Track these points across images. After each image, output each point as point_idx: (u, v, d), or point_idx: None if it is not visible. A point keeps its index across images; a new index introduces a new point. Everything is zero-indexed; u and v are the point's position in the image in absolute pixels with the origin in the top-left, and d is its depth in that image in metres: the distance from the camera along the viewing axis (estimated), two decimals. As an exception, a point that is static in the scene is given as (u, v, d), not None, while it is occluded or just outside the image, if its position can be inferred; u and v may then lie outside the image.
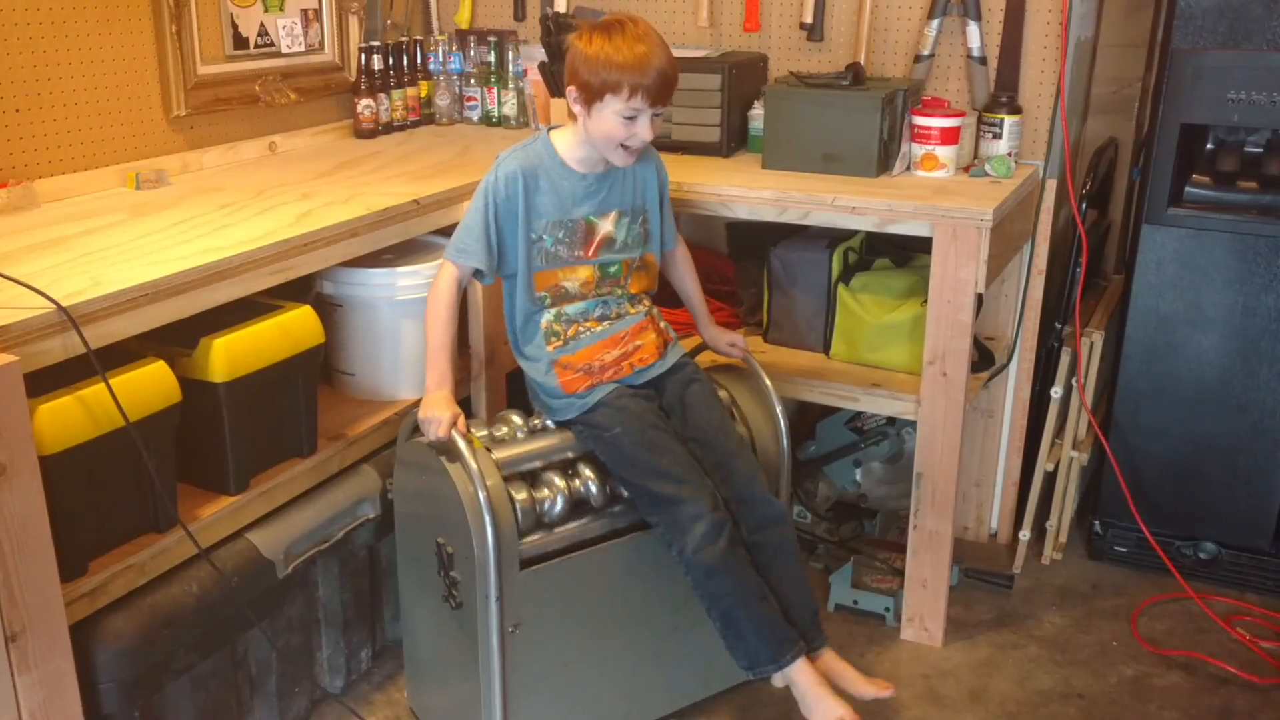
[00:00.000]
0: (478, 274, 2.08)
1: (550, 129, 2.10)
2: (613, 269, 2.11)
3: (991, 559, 2.91)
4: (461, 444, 1.94)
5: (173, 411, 1.82)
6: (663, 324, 2.20)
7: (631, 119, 1.96)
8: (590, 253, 2.09)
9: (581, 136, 2.03)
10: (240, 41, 2.65)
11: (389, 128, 3.04)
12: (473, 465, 1.92)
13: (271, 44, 2.74)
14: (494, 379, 2.55)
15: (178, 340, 1.92)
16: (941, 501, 2.45)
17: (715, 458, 2.06)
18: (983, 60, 2.68)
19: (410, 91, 3.10)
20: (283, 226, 2.07)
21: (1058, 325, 2.83)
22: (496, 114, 3.18)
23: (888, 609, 2.62)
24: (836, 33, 2.85)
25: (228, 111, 2.64)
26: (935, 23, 2.69)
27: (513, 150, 2.07)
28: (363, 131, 2.97)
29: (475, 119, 3.21)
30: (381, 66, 2.99)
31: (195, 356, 1.91)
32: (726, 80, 2.70)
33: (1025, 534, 2.84)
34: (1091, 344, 2.75)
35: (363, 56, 2.94)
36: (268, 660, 2.11)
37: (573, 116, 2.04)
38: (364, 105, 2.95)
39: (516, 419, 2.13)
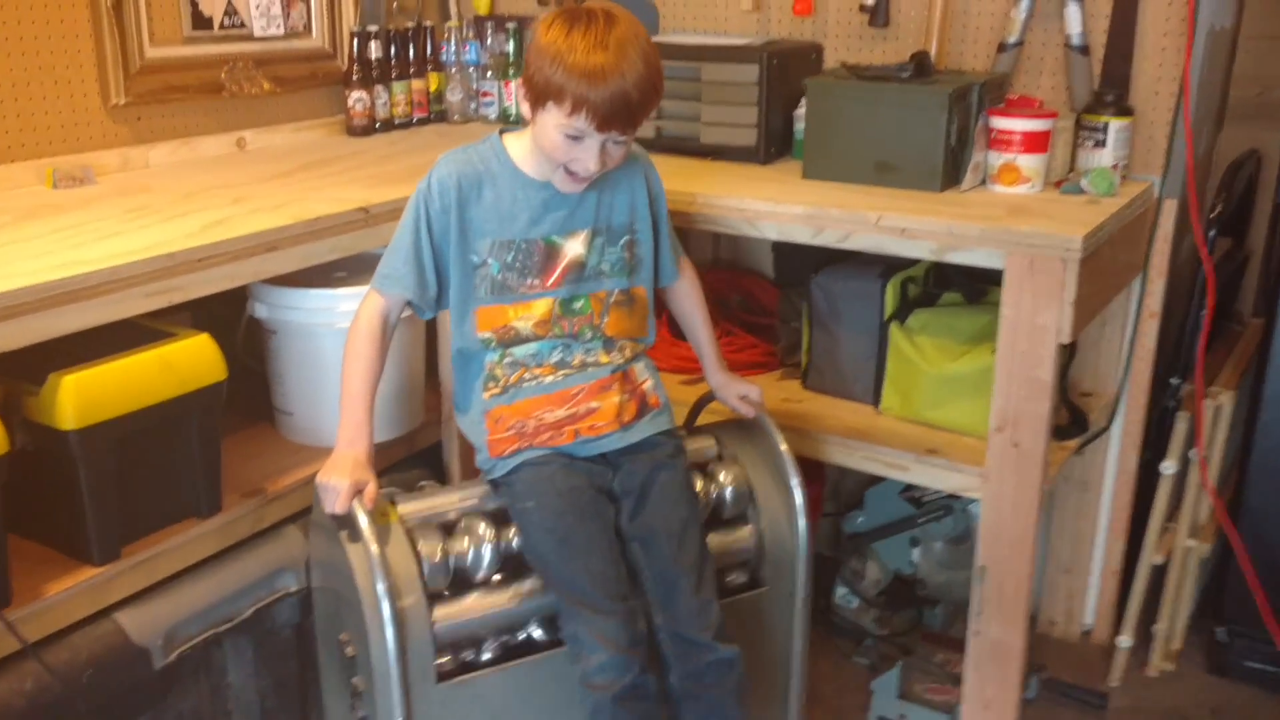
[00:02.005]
0: (412, 306, 1.66)
1: (504, 130, 1.68)
2: (577, 304, 1.66)
3: (1081, 666, 2.37)
4: (364, 523, 1.52)
5: (-6, 466, 1.45)
6: (646, 384, 1.73)
7: (575, 140, 1.54)
8: (551, 282, 1.65)
9: (535, 142, 1.62)
10: (201, 21, 2.30)
11: (388, 125, 2.66)
12: (374, 550, 1.50)
13: (242, 25, 2.38)
14: (468, 424, 2.13)
15: (30, 375, 1.56)
16: (1011, 604, 1.93)
17: (658, 573, 1.60)
18: (1084, 49, 2.15)
19: (417, 84, 2.71)
20: (179, 237, 1.69)
21: (1174, 382, 2.28)
22: (515, 111, 2.77)
23: (942, 729, 2.11)
24: (905, 17, 2.35)
25: (183, 101, 2.29)
26: (1024, 3, 2.17)
27: (454, 151, 1.66)
28: (355, 128, 2.60)
29: (491, 116, 2.81)
30: (380, 55, 2.61)
31: (42, 396, 1.54)
32: (764, 73, 2.23)
33: (1126, 640, 2.29)
34: (1218, 407, 2.18)
35: (355, 43, 2.56)
36: (149, 765, 1.73)
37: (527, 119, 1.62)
38: (355, 99, 2.57)
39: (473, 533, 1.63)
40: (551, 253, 1.65)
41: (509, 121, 2.79)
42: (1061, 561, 2.44)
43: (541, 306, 1.64)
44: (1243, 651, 2.30)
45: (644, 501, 1.63)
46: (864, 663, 2.35)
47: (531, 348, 1.65)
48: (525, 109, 1.58)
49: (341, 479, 1.55)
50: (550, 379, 1.65)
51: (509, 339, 1.65)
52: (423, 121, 2.75)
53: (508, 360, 1.65)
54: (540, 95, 1.52)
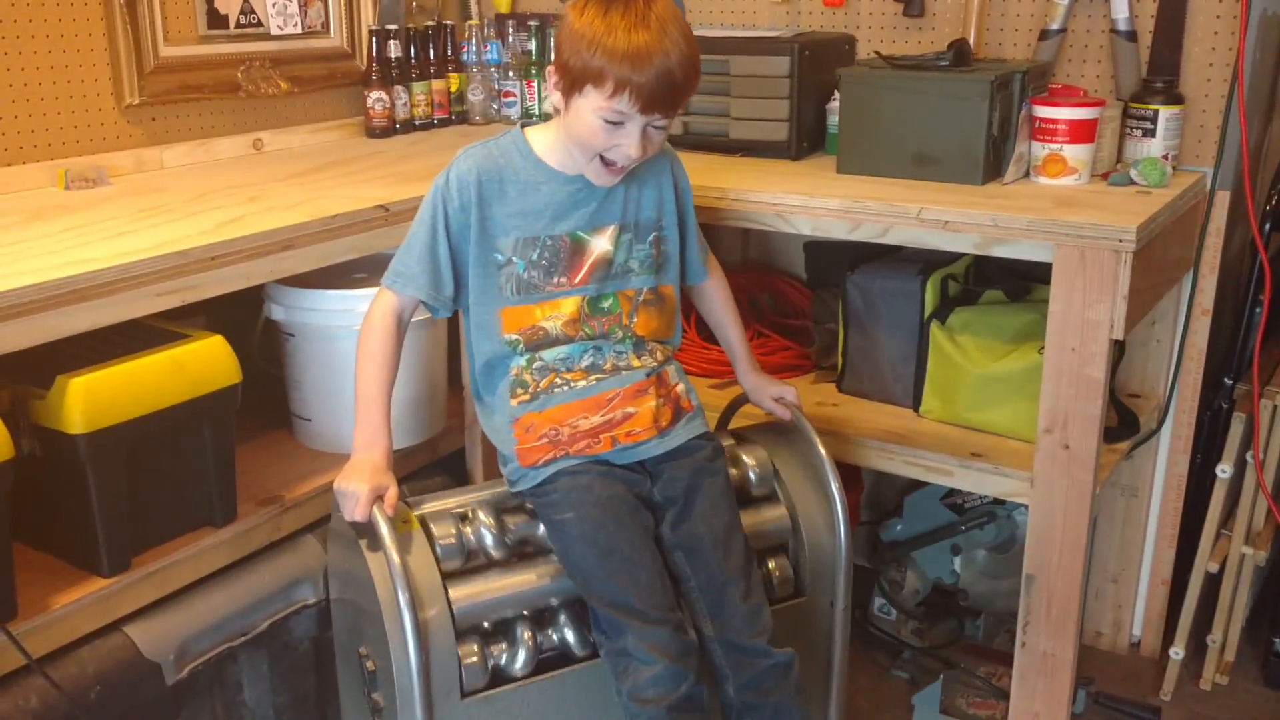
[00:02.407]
0: (426, 306, 1.59)
1: (524, 124, 1.61)
2: (606, 303, 1.59)
3: (1131, 679, 2.27)
4: (385, 530, 1.45)
5: (2, 472, 1.38)
6: (680, 387, 1.65)
7: (616, 125, 1.46)
8: (578, 279, 1.57)
9: (563, 135, 1.54)
10: (217, 19, 2.25)
11: (409, 126, 2.60)
12: (395, 560, 1.43)
13: (258, 23, 2.32)
14: (492, 429, 2.06)
15: (37, 378, 1.49)
16: (1060, 614, 1.84)
17: (705, 580, 1.52)
18: (1131, 35, 2.06)
19: (437, 85, 2.65)
20: (192, 235, 1.63)
21: (1228, 382, 2.18)
22: (537, 111, 2.70)
23: (987, 745, 2.02)
24: (941, 5, 2.28)
25: (200, 102, 2.23)
26: (1068, -13, 2.10)
27: (474, 145, 1.58)
28: (374, 130, 2.53)
29: (514, 117, 2.74)
30: (400, 54, 2.55)
31: (49, 399, 1.47)
32: (796, 64, 2.15)
33: (1178, 651, 2.19)
34: (1275, 408, 2.09)
35: (375, 42, 2.50)
36: (161, 784, 1.66)
37: (557, 109, 1.55)
38: (375, 99, 2.51)
39: (484, 516, 1.57)
40: (578, 249, 1.57)
41: (532, 121, 2.72)
42: (1108, 570, 2.35)
43: (570, 305, 1.57)
44: (1301, 664, 2.20)
45: (688, 509, 1.55)
46: (903, 676, 2.26)
47: (561, 351, 1.57)
48: (557, 98, 1.50)
49: (360, 485, 1.47)
50: (583, 384, 1.57)
51: (537, 340, 1.57)
52: (444, 122, 2.68)
53: (537, 365, 1.57)
54: (578, 80, 1.45)
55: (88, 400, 1.46)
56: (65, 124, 2.04)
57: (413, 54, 2.60)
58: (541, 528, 1.57)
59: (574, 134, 1.50)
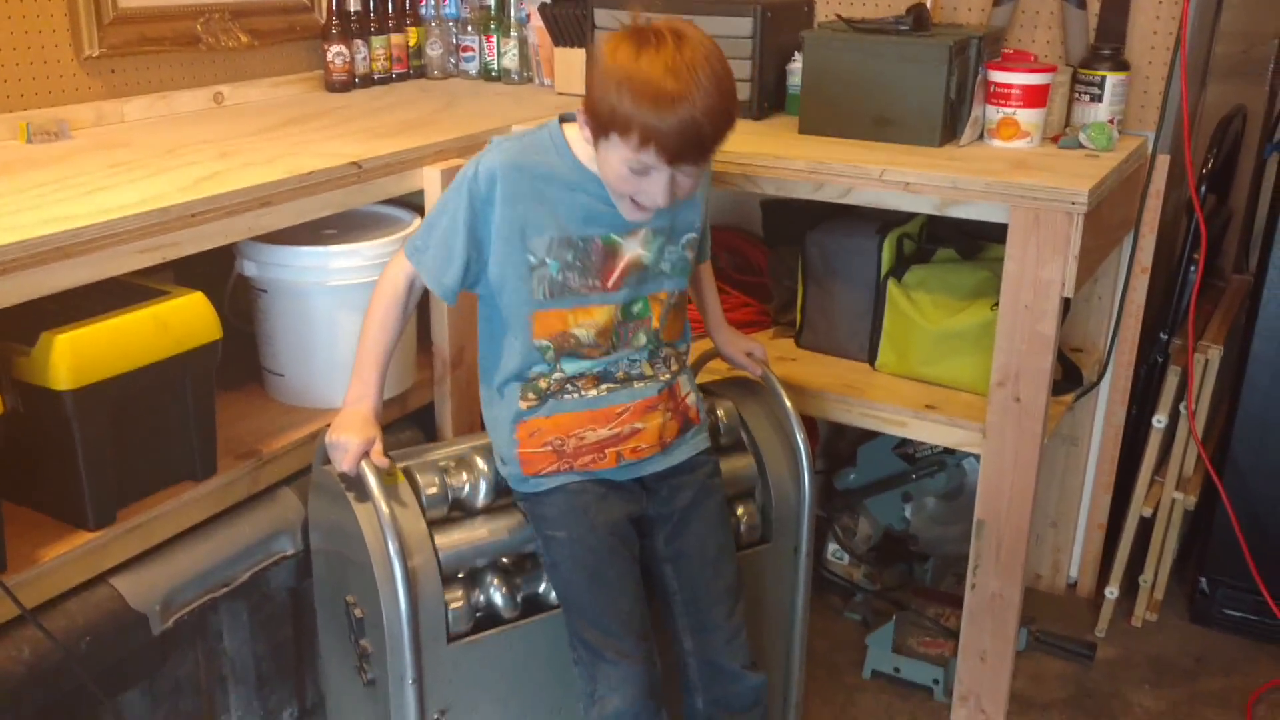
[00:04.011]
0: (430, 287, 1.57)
1: (563, 118, 1.54)
2: (636, 307, 1.55)
3: (1069, 617, 2.40)
4: (373, 480, 1.49)
5: (-13, 428, 1.39)
6: (691, 397, 1.65)
7: (641, 174, 1.41)
8: (610, 282, 1.53)
9: None
10: (176, -30, 2.22)
11: (368, 80, 2.59)
12: (384, 510, 1.47)
13: (218, -25, 2.30)
14: (461, 383, 2.09)
15: (20, 334, 1.50)
16: (1008, 557, 1.95)
17: (691, 598, 1.58)
18: (1080, 3, 2.15)
19: (396, 39, 2.64)
20: (170, 191, 1.63)
21: (1164, 337, 2.29)
22: (496, 67, 2.72)
23: (936, 681, 2.13)
24: (898, -31, 2.33)
25: (159, 54, 2.21)
26: (1022, -45, 2.16)
27: (508, 138, 1.53)
28: (334, 84, 2.53)
29: (472, 72, 2.75)
30: (359, 8, 2.54)
31: (34, 356, 1.48)
32: (759, 25, 2.20)
33: (1112, 591, 2.32)
34: (1206, 361, 2.21)
35: (334, -5, 2.49)
36: (147, 732, 1.70)
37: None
38: (335, 53, 2.50)
39: (466, 470, 1.61)
40: (611, 252, 1.52)
41: (490, 76, 2.73)
42: (1049, 516, 2.47)
43: (603, 314, 1.53)
44: (1224, 601, 2.34)
45: (683, 527, 1.58)
46: (855, 618, 2.37)
47: (584, 364, 1.54)
48: (587, 134, 1.45)
49: (351, 436, 1.51)
50: (593, 393, 1.55)
51: (567, 348, 1.53)
52: (402, 77, 2.68)
53: (557, 375, 1.54)
54: (604, 126, 1.39)
55: (74, 357, 1.47)
56: (24, 76, 2.01)
57: (371, 8, 2.59)
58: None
59: (603, 174, 1.46)
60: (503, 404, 1.57)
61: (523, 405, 1.55)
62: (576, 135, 1.51)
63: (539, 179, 1.49)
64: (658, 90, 1.34)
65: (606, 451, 1.56)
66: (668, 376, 1.60)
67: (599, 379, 1.55)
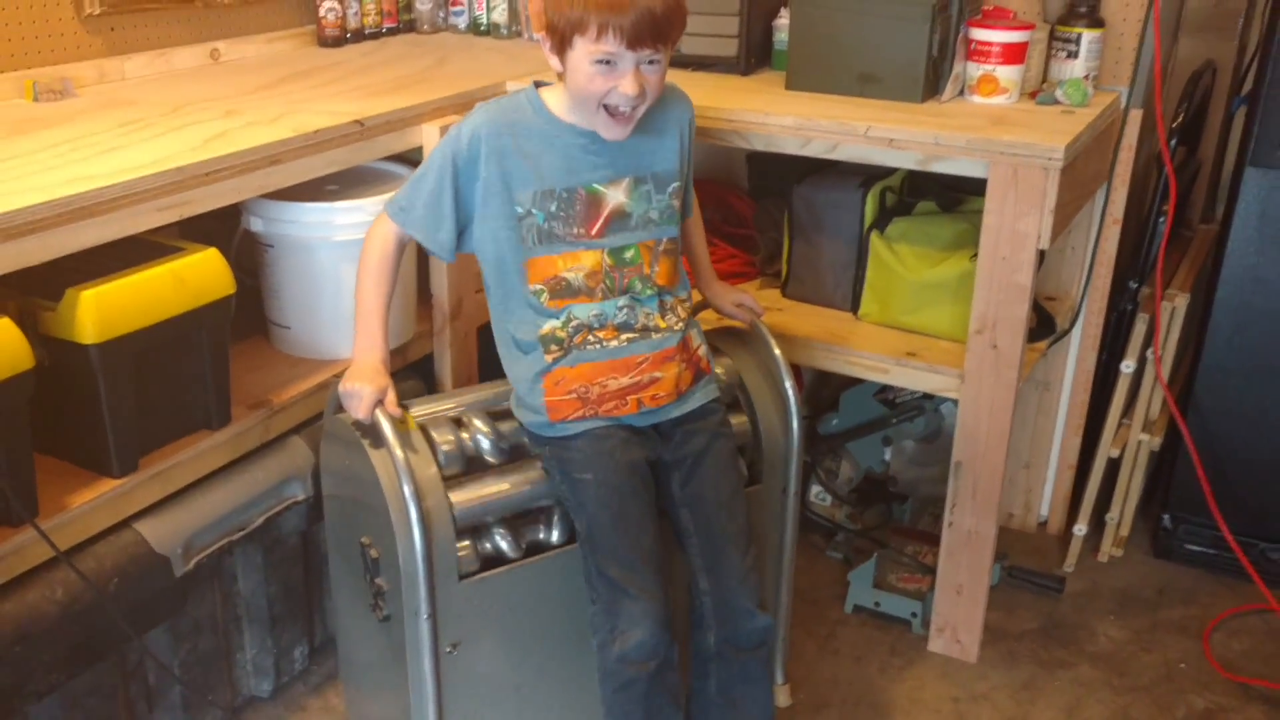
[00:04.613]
0: (424, 247, 1.66)
1: (538, 84, 1.65)
2: (628, 253, 1.63)
3: (1040, 554, 2.52)
4: (387, 427, 1.57)
5: (21, 382, 1.46)
6: (702, 349, 1.73)
7: (608, 66, 1.50)
8: (594, 230, 1.61)
9: (570, 95, 1.59)
10: (172, -73, 2.25)
11: (359, 35, 2.63)
12: (399, 455, 1.55)
13: (212, -69, 2.32)
14: (460, 334, 2.17)
15: (44, 290, 1.56)
16: (984, 497, 2.05)
17: (707, 539, 1.66)
18: (1059, -38, 2.21)
19: (386, -7, 2.68)
20: (184, 151, 1.69)
21: (1133, 285, 2.39)
22: (485, 21, 2.75)
23: (915, 614, 2.24)
24: (882, -73, 2.38)
25: (158, 11, 2.25)
26: (1002, -86, 2.22)
27: (490, 102, 1.64)
28: (326, 39, 2.56)
29: (462, 26, 2.79)
30: (350, -38, 2.57)
31: (60, 311, 1.54)
32: (747, -18, 2.25)
33: (1081, 528, 2.44)
34: (1173, 309, 2.31)
35: (326, -50, 2.52)
36: (170, 668, 1.79)
37: (558, 72, 1.60)
38: (327, 8, 2.54)
39: (479, 423, 1.68)
40: (594, 201, 1.61)
41: (479, 31, 2.77)
42: (1021, 457, 2.58)
43: (590, 258, 1.61)
44: (1185, 536, 2.46)
45: (696, 469, 1.66)
46: (837, 557, 2.47)
47: (594, 308, 1.62)
48: (555, 62, 1.55)
49: (364, 385, 1.58)
50: (614, 343, 1.63)
51: (560, 290, 1.61)
52: (392, 31, 2.72)
53: (573, 324, 1.62)
54: (565, 34, 1.50)
55: (98, 312, 1.54)
56: (27, 35, 2.04)
57: (362, -38, 2.62)
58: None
59: (575, 90, 1.54)
60: (526, 360, 1.64)
61: (548, 358, 1.63)
62: (551, 95, 1.62)
63: (519, 135, 1.59)
64: None
65: (628, 399, 1.64)
66: (680, 328, 1.68)
67: (619, 330, 1.63)
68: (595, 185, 1.61)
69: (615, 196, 1.62)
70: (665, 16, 1.49)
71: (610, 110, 1.55)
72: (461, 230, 1.63)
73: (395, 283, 1.67)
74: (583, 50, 1.50)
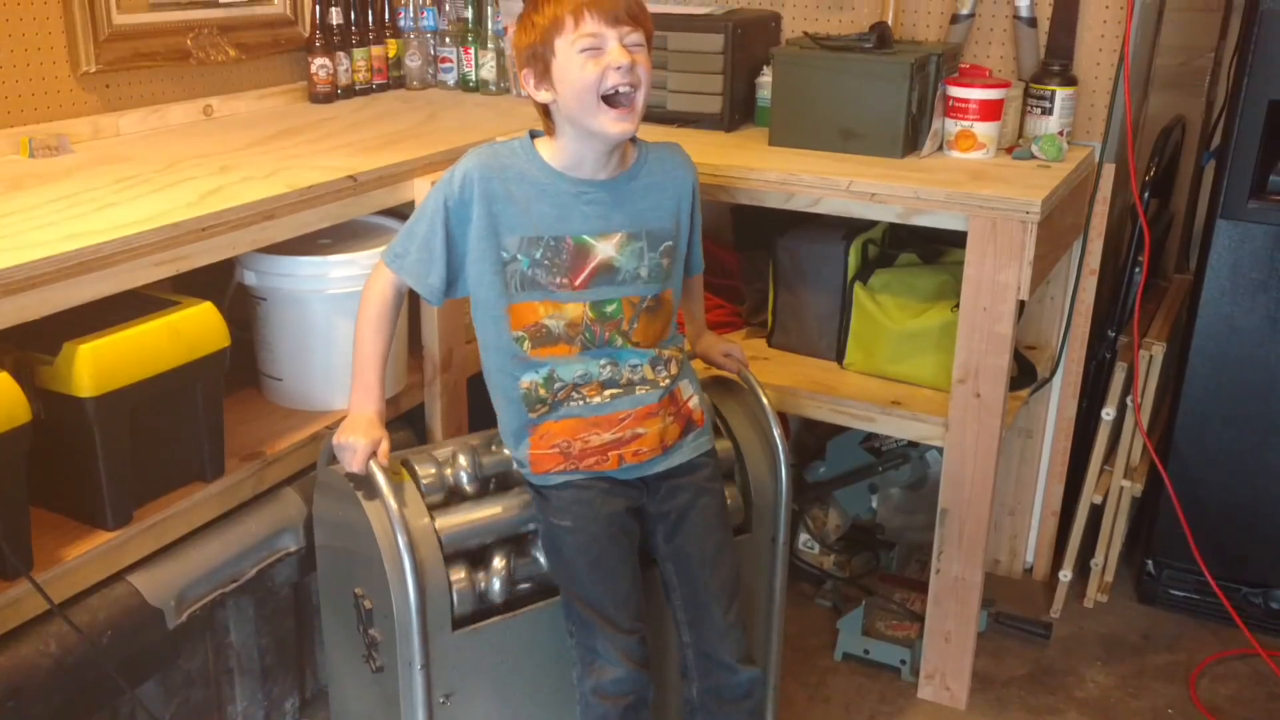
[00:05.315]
0: (418, 292, 1.68)
1: (532, 133, 1.66)
2: (609, 308, 1.64)
3: (1026, 600, 2.54)
4: (381, 479, 1.59)
5: (18, 436, 1.47)
6: (693, 400, 1.74)
7: (594, 51, 1.51)
8: (579, 281, 1.62)
9: (565, 136, 1.60)
10: (167, -13, 2.29)
11: (350, 91, 2.67)
12: (393, 506, 1.56)
13: (207, -9, 2.37)
14: (451, 385, 2.19)
15: (41, 344, 1.58)
16: (970, 544, 2.08)
17: (690, 595, 1.68)
18: (1032, 21, 2.28)
19: (376, 51, 2.73)
20: (179, 206, 1.71)
21: (1111, 334, 2.44)
22: (474, 77, 2.81)
23: (904, 661, 2.26)
24: (861, -12, 2.46)
25: (152, 69, 2.28)
26: (977, -24, 2.30)
27: (482, 146, 1.65)
28: (318, 95, 2.61)
29: (451, 83, 2.84)
30: (341, 21, 2.62)
31: (57, 365, 1.56)
32: (730, 41, 2.32)
33: (1066, 574, 2.46)
34: (1150, 357, 2.36)
35: (318, 9, 2.57)
36: (160, 721, 1.78)
37: (546, 123, 1.62)
38: (319, 65, 2.58)
39: (462, 459, 1.72)
40: (581, 252, 1.61)
41: (468, 87, 2.82)
42: (1006, 504, 2.61)
43: (573, 309, 1.62)
44: (1168, 581, 2.49)
45: (681, 525, 1.67)
46: (826, 604, 2.49)
47: (578, 367, 1.63)
48: (544, 93, 1.57)
49: (358, 438, 1.60)
50: (597, 400, 1.64)
51: (540, 337, 1.62)
52: (382, 87, 2.76)
53: (555, 384, 1.63)
54: (546, 45, 1.53)
55: (95, 365, 1.55)
56: (23, 91, 2.07)
57: (353, 21, 2.67)
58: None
59: (570, 94, 1.53)
60: (511, 410, 1.67)
61: (532, 415, 1.65)
62: (545, 145, 1.64)
63: (511, 180, 1.60)
64: None
65: (609, 454, 1.65)
66: (668, 382, 1.69)
67: (604, 386, 1.64)
68: (585, 236, 1.62)
69: (605, 250, 1.63)
70: None
71: (610, 101, 1.53)
72: (454, 275, 1.64)
73: (393, 334, 1.69)
74: (566, 48, 1.52)
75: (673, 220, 1.69)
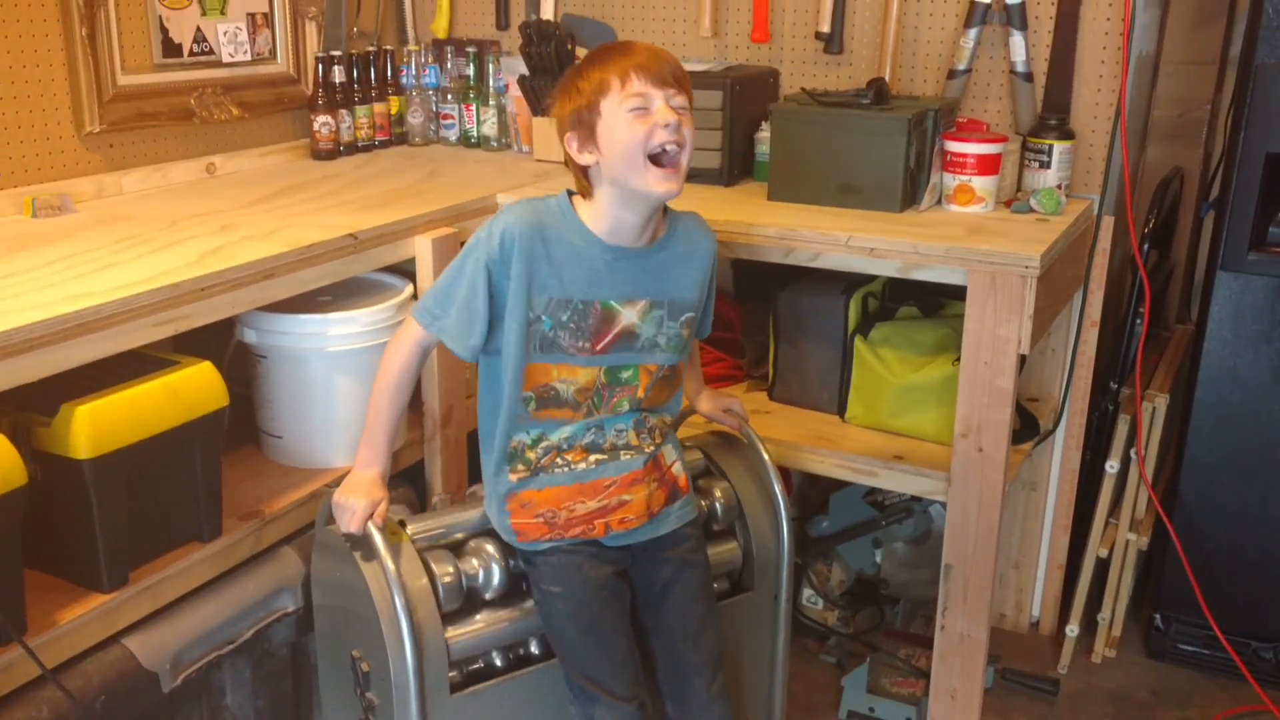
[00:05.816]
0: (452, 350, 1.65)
1: (570, 192, 1.64)
2: (625, 374, 1.63)
3: (1033, 655, 2.51)
4: (379, 541, 1.58)
5: (14, 500, 1.46)
6: (676, 466, 1.72)
7: (643, 110, 1.51)
8: (600, 346, 1.61)
9: (605, 200, 1.58)
10: (171, 49, 2.32)
11: (352, 148, 2.69)
12: (390, 568, 1.55)
13: (210, 51, 2.40)
14: (450, 441, 2.18)
15: (38, 405, 1.57)
16: (975, 600, 2.06)
17: (673, 668, 1.67)
18: (1028, 76, 2.30)
19: (379, 108, 2.75)
20: (179, 266, 1.72)
21: (1114, 386, 2.43)
22: (475, 134, 2.83)
23: (909, 719, 2.22)
24: (858, 44, 2.48)
25: (156, 128, 2.30)
26: (973, 32, 2.31)
27: (519, 202, 1.62)
28: (320, 152, 2.63)
29: (452, 139, 2.86)
30: (343, 79, 2.65)
31: (55, 427, 1.55)
32: (728, 98, 2.33)
33: (1073, 629, 2.44)
34: (1154, 409, 2.34)
35: (320, 68, 2.59)
36: (154, 787, 1.75)
37: (583, 185, 1.60)
38: (321, 123, 2.60)
39: (460, 518, 1.71)
40: (607, 317, 1.60)
41: (470, 143, 2.84)
42: (1011, 558, 2.58)
43: (586, 375, 1.61)
44: (1177, 636, 2.46)
45: (664, 599, 1.67)
46: (830, 660, 2.46)
47: (566, 430, 1.62)
48: (589, 156, 1.55)
49: (358, 499, 1.59)
50: (581, 465, 1.63)
51: (547, 399, 1.61)
52: (384, 144, 2.79)
53: (542, 446, 1.62)
54: (591, 107, 1.53)
55: (93, 427, 1.55)
56: (27, 152, 2.09)
57: (355, 78, 2.69)
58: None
59: (616, 153, 1.52)
60: (497, 480, 1.65)
61: (513, 478, 1.63)
62: (583, 207, 1.62)
63: (549, 240, 1.58)
64: (608, 48, 1.57)
65: (595, 523, 1.64)
66: (652, 448, 1.67)
67: (587, 450, 1.63)
68: (612, 302, 1.60)
69: (629, 316, 1.62)
70: (669, 58, 1.56)
71: (656, 160, 1.53)
72: (491, 332, 1.61)
73: (410, 395, 1.68)
74: (613, 108, 1.52)
75: (698, 291, 1.68)
